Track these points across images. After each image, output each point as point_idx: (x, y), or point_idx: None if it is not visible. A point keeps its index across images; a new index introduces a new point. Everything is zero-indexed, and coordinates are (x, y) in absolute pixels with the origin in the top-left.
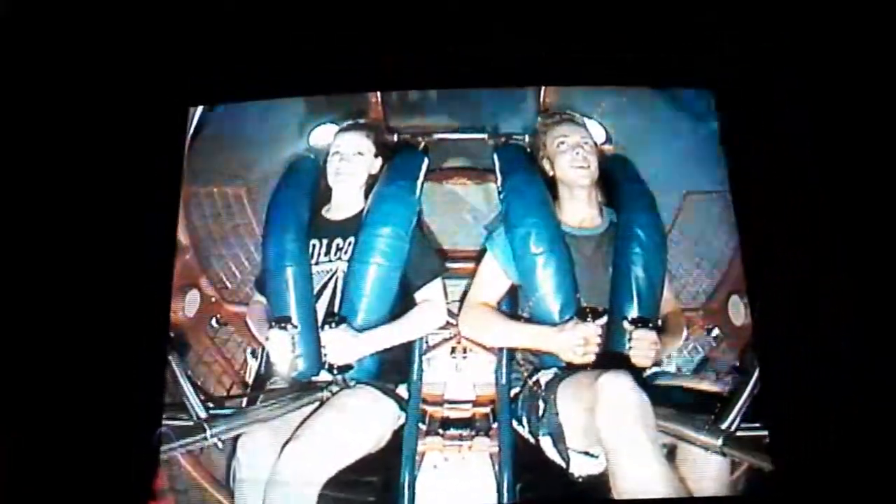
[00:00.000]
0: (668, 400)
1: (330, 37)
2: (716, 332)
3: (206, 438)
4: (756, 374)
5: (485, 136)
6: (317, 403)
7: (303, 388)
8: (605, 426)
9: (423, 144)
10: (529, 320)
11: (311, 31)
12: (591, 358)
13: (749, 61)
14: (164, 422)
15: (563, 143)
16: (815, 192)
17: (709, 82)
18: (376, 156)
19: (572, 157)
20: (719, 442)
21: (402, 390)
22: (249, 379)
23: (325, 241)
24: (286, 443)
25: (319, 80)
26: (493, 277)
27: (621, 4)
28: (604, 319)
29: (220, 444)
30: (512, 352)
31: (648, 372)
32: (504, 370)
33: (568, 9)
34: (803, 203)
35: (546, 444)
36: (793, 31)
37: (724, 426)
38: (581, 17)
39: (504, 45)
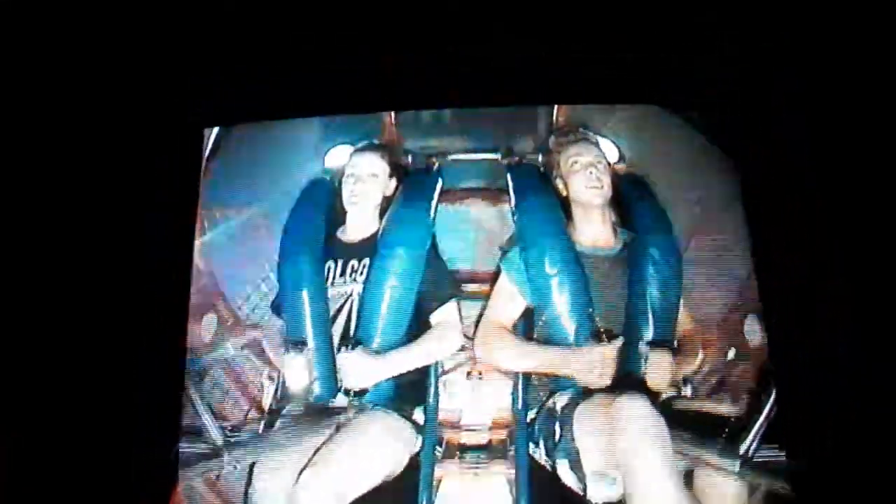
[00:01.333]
0: (684, 423)
1: (345, 57)
2: (732, 353)
3: (222, 464)
4: (773, 396)
5: (498, 156)
6: (333, 428)
7: (319, 412)
8: (622, 450)
9: (437, 165)
10: (545, 342)
11: (326, 51)
12: (608, 381)
13: (749, 63)
14: (182, 448)
15: (576, 162)
16: (830, 209)
17: (708, 84)
18: (391, 177)
19: (586, 176)
20: (737, 465)
21: (418, 414)
22: (266, 403)
23: (340, 263)
24: (303, 468)
25: (333, 101)
26: (509, 299)
27: (621, 7)
28: (619, 341)
29: (236, 469)
30: (528, 375)
31: (665, 395)
32: (520, 394)
33: (566, 12)
34: (819, 220)
35: (563, 469)
36: (792, 33)
37: (741, 450)
38: (580, 20)
39: (516, 61)
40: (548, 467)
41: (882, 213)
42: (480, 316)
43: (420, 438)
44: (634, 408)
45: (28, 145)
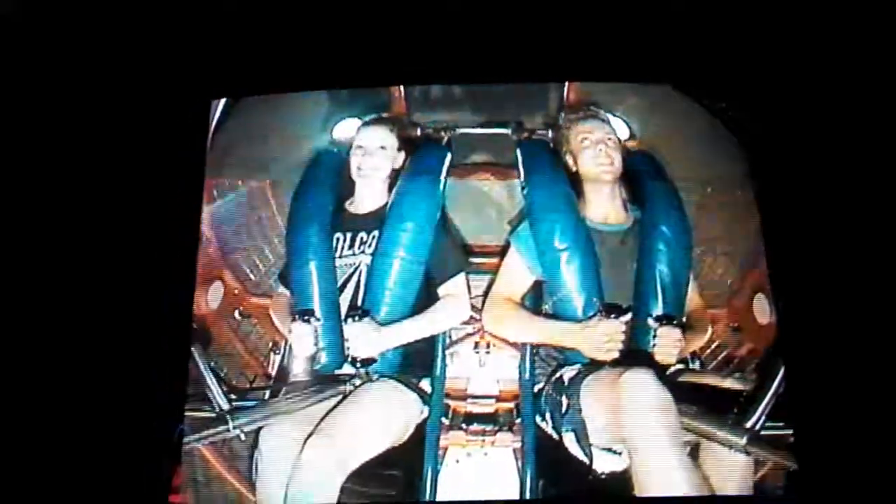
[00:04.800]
0: (691, 397)
1: (352, 30)
2: (740, 330)
3: (228, 430)
4: (781, 372)
5: (508, 131)
6: (339, 396)
7: (325, 380)
8: (628, 423)
9: (446, 139)
10: (553, 316)
11: (333, 24)
12: (615, 354)
13: (768, 58)
14: (187, 413)
15: (586, 139)
16: (839, 190)
17: (728, 79)
18: (399, 150)
19: (595, 153)
20: (743, 440)
21: (425, 384)
22: (272, 371)
23: (348, 235)
24: (309, 436)
25: (342, 74)
26: (518, 273)
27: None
28: (628, 316)
29: (242, 436)
30: (536, 347)
31: (672, 369)
32: (528, 366)
33: (587, 4)
34: (828, 201)
35: (569, 440)
36: (805, 18)
37: (748, 425)
38: (600, 11)
39: (528, 39)
40: (554, 438)
41: (891, 196)
42: (489, 289)
43: (426, 408)
44: (641, 381)
45: (37, 119)
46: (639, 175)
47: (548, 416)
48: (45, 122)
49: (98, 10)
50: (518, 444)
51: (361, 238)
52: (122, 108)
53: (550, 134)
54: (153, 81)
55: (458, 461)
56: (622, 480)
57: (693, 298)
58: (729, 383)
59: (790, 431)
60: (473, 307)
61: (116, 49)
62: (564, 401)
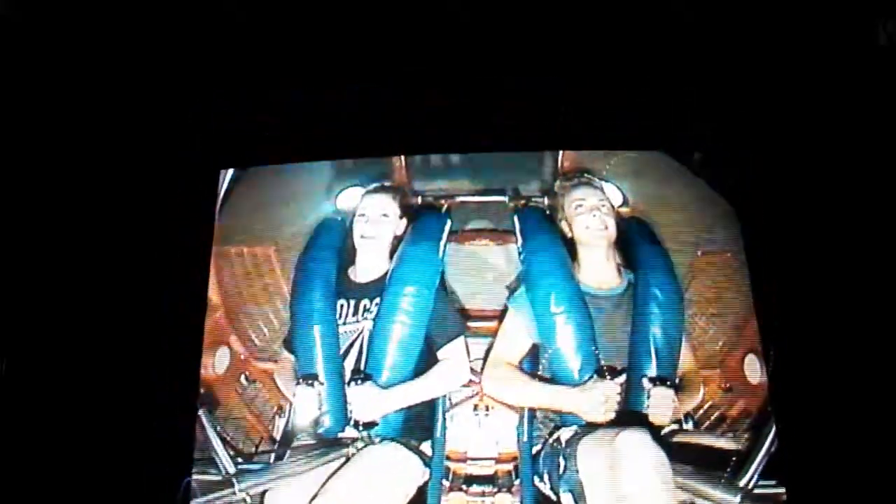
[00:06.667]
0: (685, 457)
1: (356, 101)
2: (732, 390)
3: (234, 493)
4: (773, 431)
5: (505, 198)
6: (343, 459)
7: (329, 444)
8: (625, 483)
9: (445, 206)
10: (550, 379)
11: (337, 97)
12: (611, 416)
13: (756, 121)
14: (194, 476)
15: (580, 205)
16: (829, 250)
17: (718, 142)
18: (401, 217)
19: (590, 219)
20: (737, 499)
21: (426, 447)
22: (277, 435)
23: (352, 302)
24: (312, 498)
25: (346, 144)
26: (516, 336)
27: (626, 55)
28: (622, 378)
29: (248, 500)
30: (534, 409)
31: (667, 429)
32: (526, 427)
33: (572, 60)
34: (818, 261)
35: (567, 500)
36: (793, 82)
37: (741, 483)
38: (585, 68)
39: (524, 109)
40: (552, 499)
41: (881, 258)
42: (488, 352)
43: (427, 470)
44: (637, 442)
45: (47, 184)
46: (631, 239)
47: (546, 476)
48: (54, 192)
49: (110, 83)
50: None
51: (364, 305)
52: (134, 178)
53: (546, 201)
54: (163, 152)
55: None
56: None
57: (686, 360)
58: (722, 443)
59: (783, 490)
60: (473, 370)
61: (130, 122)
62: (562, 462)
